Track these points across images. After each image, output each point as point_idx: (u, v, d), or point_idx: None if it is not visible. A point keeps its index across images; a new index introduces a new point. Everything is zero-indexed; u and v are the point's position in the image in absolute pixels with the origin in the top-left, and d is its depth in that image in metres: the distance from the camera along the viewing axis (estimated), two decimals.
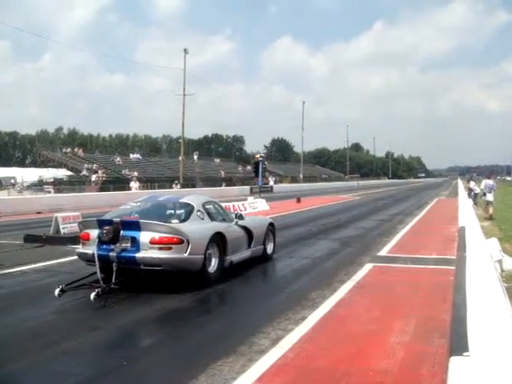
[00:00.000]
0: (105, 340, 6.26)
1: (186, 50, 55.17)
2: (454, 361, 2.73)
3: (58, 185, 49.42)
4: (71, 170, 60.05)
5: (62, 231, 13.97)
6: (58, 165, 61.68)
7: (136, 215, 8.92)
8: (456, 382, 2.49)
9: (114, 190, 44.04)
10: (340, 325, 6.56)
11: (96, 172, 56.66)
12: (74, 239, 13.12)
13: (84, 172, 57.34)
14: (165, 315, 7.27)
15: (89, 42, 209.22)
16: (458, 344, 2.97)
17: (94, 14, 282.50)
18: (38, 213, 24.27)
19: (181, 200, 9.73)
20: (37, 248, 13.04)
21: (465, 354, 2.77)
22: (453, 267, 8.59)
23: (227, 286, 8.92)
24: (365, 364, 5.12)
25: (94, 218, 8.87)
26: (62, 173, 58.43)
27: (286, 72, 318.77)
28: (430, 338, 5.79)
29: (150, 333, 6.82)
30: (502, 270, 9.80)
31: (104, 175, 56.92)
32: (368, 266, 10.43)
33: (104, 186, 49.84)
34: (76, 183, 51.73)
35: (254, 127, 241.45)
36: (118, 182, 52.77)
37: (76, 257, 9.32)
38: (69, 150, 68.23)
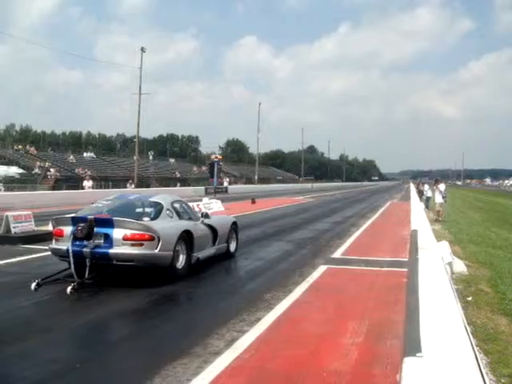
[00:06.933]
0: (59, 341, 6.12)
1: (142, 49, 54.56)
2: (408, 361, 2.79)
3: (9, 183, 48.19)
4: (23, 168, 58.56)
5: (13, 230, 13.64)
6: (10, 162, 60.05)
7: (107, 213, 9.10)
8: (409, 382, 2.54)
9: (66, 189, 43.41)
10: (294, 326, 6.60)
11: (49, 170, 55.50)
12: (26, 239, 12.92)
13: (36, 170, 56.06)
14: (124, 315, 7.33)
15: (47, 36, 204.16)
16: (412, 345, 3.03)
17: (54, 6, 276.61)
18: None
19: (151, 199, 10.04)
20: None
21: (418, 354, 2.83)
22: (405, 269, 8.75)
23: (182, 287, 8.87)
24: (319, 365, 5.16)
25: (68, 215, 9.15)
26: (14, 170, 56.94)
27: (247, 73, 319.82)
28: (383, 339, 5.89)
29: (108, 332, 6.75)
30: (453, 273, 10.02)
31: (57, 173, 55.83)
32: (322, 268, 10.52)
33: (56, 185, 48.95)
34: (28, 181, 50.54)
35: (211, 127, 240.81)
36: (71, 181, 51.99)
37: (27, 256, 9.20)
38: (20, 147, 66.59)
